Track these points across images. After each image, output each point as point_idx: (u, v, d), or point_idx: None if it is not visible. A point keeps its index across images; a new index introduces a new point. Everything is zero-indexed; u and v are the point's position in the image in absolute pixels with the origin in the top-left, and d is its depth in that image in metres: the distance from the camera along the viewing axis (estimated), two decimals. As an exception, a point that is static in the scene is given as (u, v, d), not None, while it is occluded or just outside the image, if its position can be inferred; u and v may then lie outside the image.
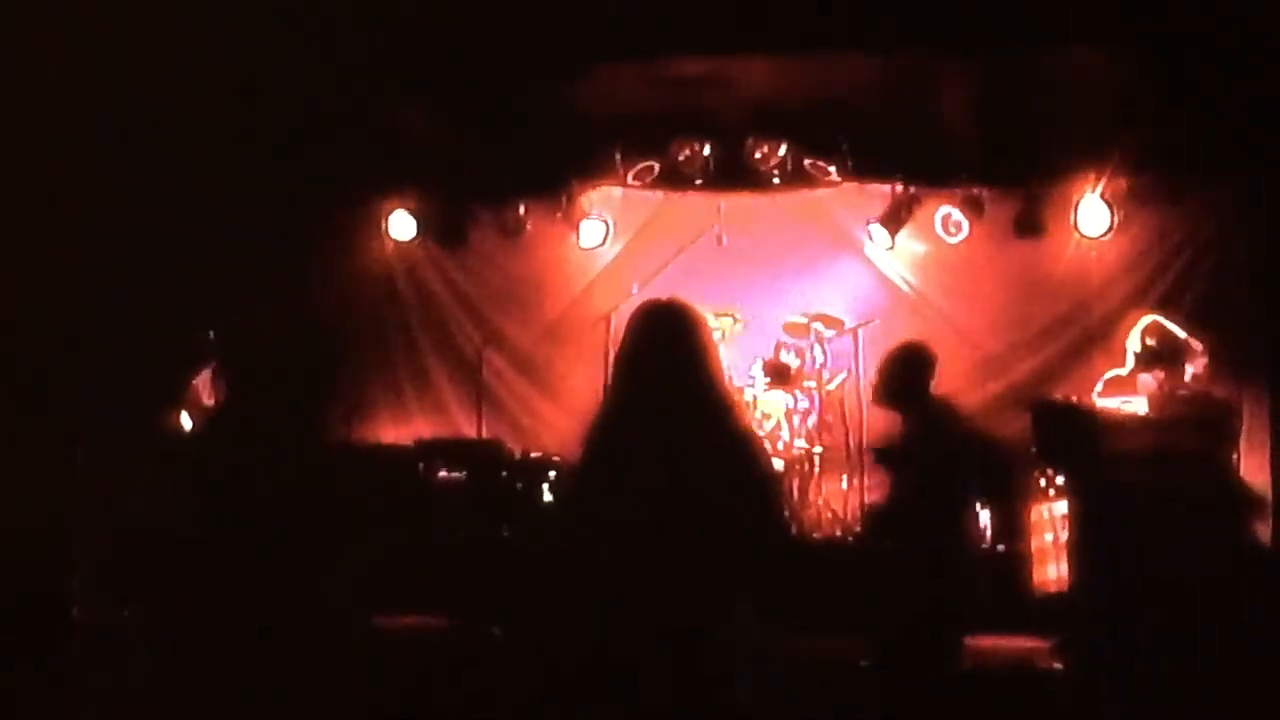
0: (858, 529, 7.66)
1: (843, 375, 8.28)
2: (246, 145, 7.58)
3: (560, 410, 8.77)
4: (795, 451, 8.07)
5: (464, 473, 8.09)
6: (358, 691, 3.92)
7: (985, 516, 7.47)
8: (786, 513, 7.29)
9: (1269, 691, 5.44)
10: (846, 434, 8.26)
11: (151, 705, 3.76)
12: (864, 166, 8.50)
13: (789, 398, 8.13)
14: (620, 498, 3.43)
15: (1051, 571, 5.72)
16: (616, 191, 8.96)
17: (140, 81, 6.54)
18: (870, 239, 8.71)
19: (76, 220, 6.56)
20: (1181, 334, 5.66)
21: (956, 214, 8.47)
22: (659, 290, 8.24)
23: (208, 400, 7.01)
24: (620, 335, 3.58)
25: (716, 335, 8.04)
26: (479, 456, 8.07)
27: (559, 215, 8.97)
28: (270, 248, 8.49)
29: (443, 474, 8.14)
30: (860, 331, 8.21)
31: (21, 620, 5.88)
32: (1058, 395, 7.71)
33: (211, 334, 7.08)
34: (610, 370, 3.74)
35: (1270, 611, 5.80)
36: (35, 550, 6.08)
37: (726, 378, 3.69)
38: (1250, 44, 6.70)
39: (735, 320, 8.32)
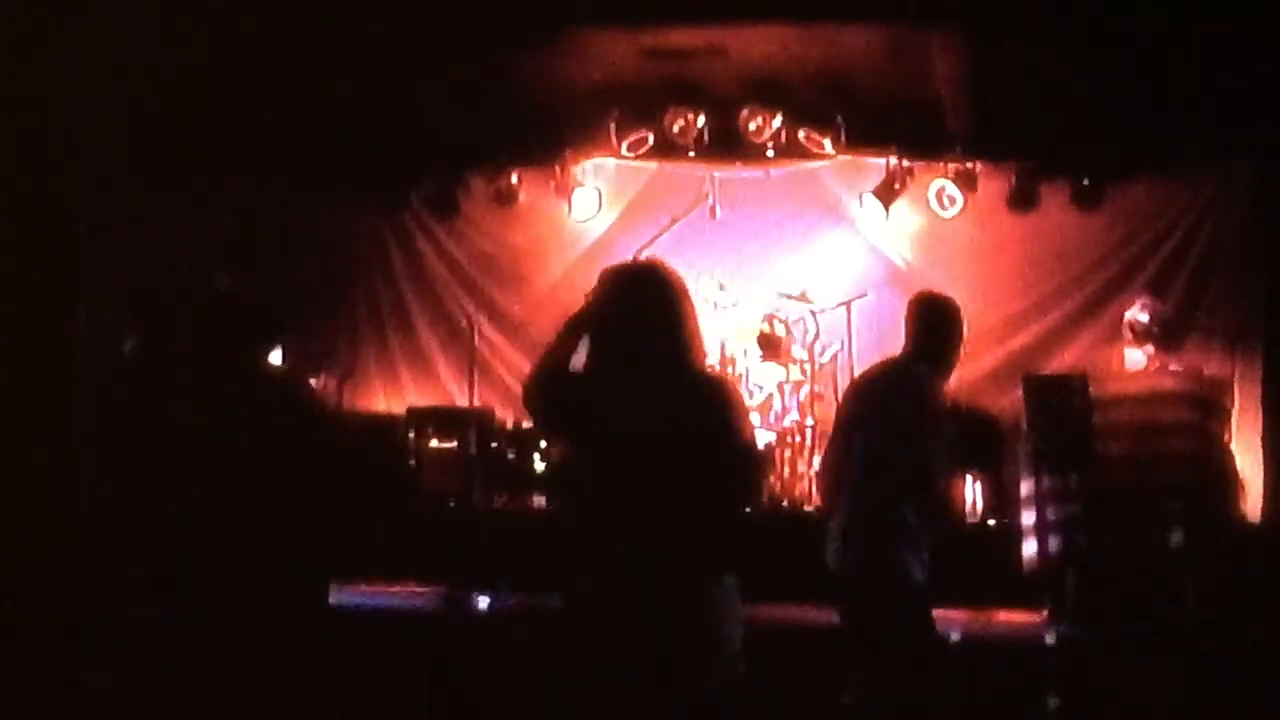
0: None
1: (835, 348, 8.26)
2: (233, 118, 7.53)
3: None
4: (787, 424, 8.07)
5: (455, 442, 8.09)
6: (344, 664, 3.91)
7: (976, 489, 7.49)
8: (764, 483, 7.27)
9: (1258, 663, 5.48)
10: (838, 406, 8.22)
11: (152, 705, 3.75)
12: (858, 139, 8.47)
13: (782, 370, 8.11)
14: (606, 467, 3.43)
15: (1043, 545, 5.70)
16: (610, 162, 8.91)
17: (129, 61, 6.49)
18: (864, 212, 8.68)
19: (73, 211, 6.52)
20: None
21: (950, 187, 8.45)
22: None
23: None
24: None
25: (709, 306, 8.04)
26: (471, 426, 8.07)
27: (552, 185, 8.93)
28: (261, 219, 8.45)
29: (434, 443, 8.15)
30: (853, 305, 8.19)
31: (21, 619, 5.84)
32: (1050, 369, 7.76)
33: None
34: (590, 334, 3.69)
35: (1258, 586, 5.84)
36: (35, 548, 6.03)
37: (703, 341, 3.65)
38: (1245, 26, 6.69)
39: (722, 288, 8.29)
